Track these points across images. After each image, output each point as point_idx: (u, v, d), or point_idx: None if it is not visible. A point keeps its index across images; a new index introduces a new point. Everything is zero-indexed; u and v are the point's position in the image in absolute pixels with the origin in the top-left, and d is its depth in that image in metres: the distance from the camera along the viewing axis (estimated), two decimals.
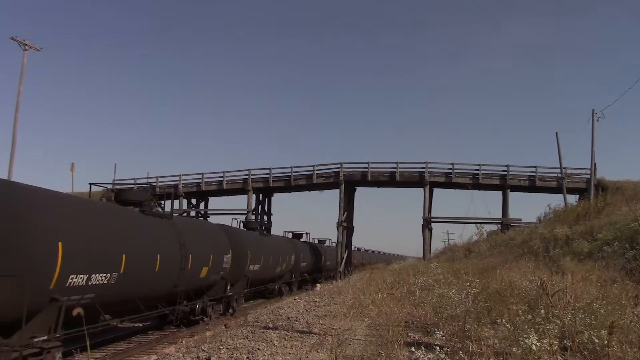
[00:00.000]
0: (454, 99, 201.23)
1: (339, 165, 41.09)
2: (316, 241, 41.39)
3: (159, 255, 12.02)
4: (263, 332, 10.21)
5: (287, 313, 13.68)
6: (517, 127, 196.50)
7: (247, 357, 7.94)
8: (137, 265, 10.97)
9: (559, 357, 5.99)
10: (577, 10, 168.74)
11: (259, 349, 8.48)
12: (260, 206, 44.67)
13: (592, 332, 6.16)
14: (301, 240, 34.68)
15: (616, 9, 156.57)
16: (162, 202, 15.73)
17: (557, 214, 29.01)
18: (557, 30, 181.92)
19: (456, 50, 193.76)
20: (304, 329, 10.50)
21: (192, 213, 44.00)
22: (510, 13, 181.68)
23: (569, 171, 36.67)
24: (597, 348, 5.91)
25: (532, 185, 39.33)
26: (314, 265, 35.15)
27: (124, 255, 10.35)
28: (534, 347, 5.04)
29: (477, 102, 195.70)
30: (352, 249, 47.34)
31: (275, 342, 9.10)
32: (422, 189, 39.74)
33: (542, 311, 7.07)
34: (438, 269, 16.30)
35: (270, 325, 11.19)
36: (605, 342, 5.51)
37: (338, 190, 40.89)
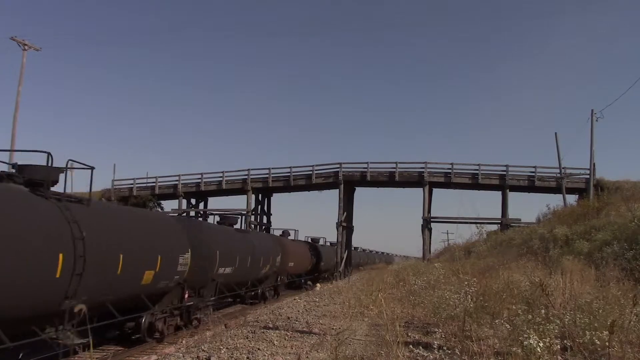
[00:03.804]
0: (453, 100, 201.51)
1: (338, 166, 41.11)
2: (309, 240, 38.93)
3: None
4: (263, 332, 10.23)
5: (287, 313, 13.71)
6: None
7: (247, 357, 7.95)
8: None
9: (560, 358, 6.00)
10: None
11: (259, 348, 8.50)
12: (259, 206, 44.70)
13: (592, 333, 6.17)
14: (290, 238, 31.72)
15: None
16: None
17: (557, 214, 29.04)
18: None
19: (460, 50, 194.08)
20: (304, 329, 10.52)
21: (192, 213, 43.99)
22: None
23: (568, 171, 36.72)
24: (598, 349, 5.92)
25: (531, 185, 39.37)
26: (306, 267, 32.61)
27: None
28: (536, 348, 5.04)
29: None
30: (352, 248, 47.27)
31: (275, 342, 9.13)
32: (421, 189, 39.81)
33: (542, 311, 7.07)
34: (440, 270, 16.28)
35: (270, 325, 11.21)
36: (606, 342, 5.51)
37: (337, 190, 40.93)
